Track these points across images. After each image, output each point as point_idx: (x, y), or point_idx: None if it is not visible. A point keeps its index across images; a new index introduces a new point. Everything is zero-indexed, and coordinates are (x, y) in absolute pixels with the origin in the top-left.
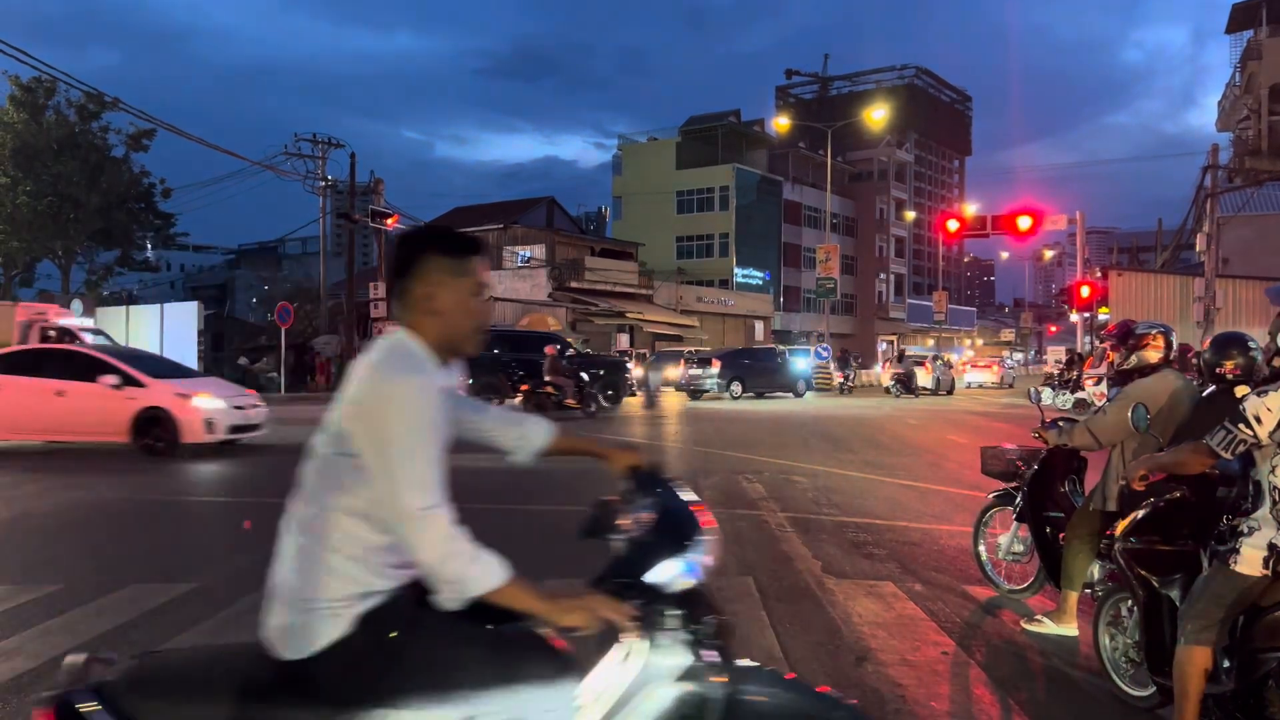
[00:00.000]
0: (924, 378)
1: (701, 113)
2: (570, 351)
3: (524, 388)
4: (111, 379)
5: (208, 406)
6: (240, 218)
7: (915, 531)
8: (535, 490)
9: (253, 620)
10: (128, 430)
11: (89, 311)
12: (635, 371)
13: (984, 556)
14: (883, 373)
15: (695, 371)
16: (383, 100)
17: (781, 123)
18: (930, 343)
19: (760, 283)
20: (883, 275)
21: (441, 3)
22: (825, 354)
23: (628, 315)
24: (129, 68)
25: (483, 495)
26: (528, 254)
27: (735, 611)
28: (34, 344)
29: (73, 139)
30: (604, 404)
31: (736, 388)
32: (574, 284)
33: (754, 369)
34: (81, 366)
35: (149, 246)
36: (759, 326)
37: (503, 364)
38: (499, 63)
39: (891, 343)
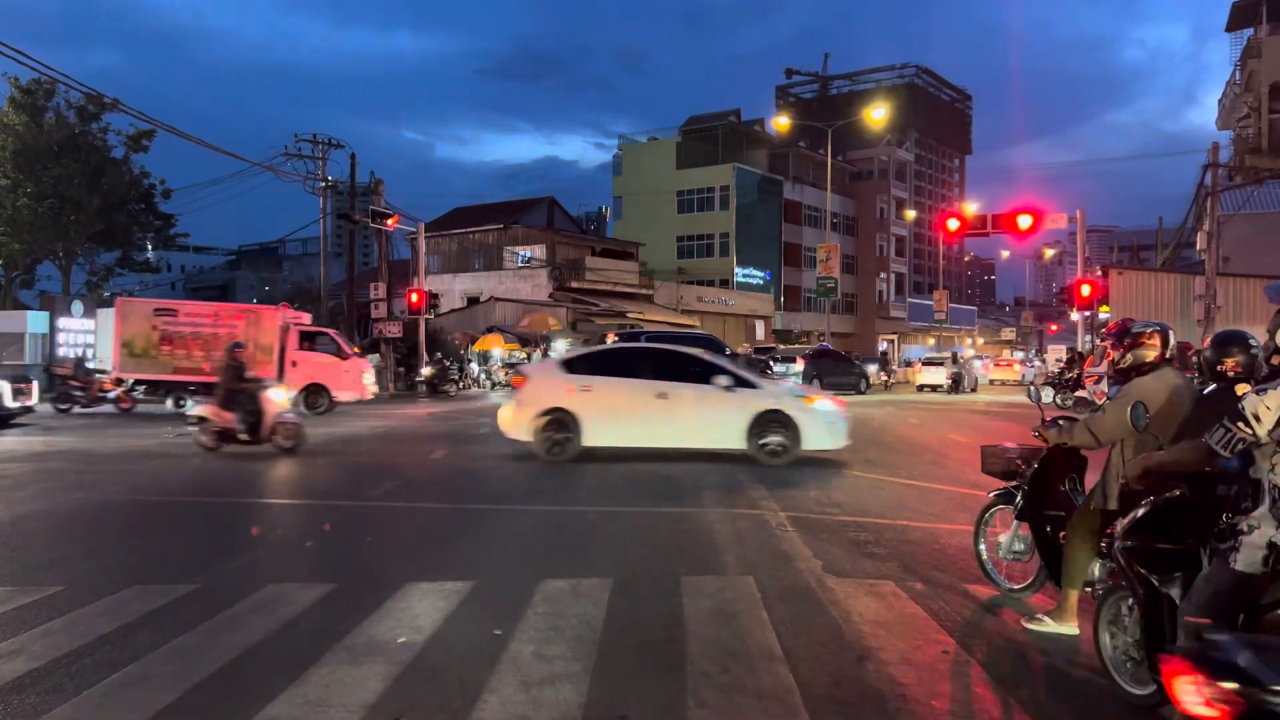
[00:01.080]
0: (939, 377)
1: (702, 112)
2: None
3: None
4: (724, 380)
5: (828, 409)
6: (240, 218)
7: (916, 530)
8: (536, 490)
9: (254, 620)
10: (744, 435)
11: (90, 313)
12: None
13: (985, 555)
14: (913, 372)
15: (780, 369)
16: (383, 101)
17: (782, 122)
18: (931, 342)
19: (761, 282)
20: (883, 274)
21: (442, 3)
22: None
23: (628, 315)
24: (129, 68)
25: (484, 495)
26: (528, 254)
27: (736, 611)
28: (293, 345)
29: (73, 140)
30: None
31: (816, 384)
32: (575, 284)
33: (828, 367)
34: (684, 367)
35: (149, 247)
36: (760, 326)
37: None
38: (499, 63)
39: (892, 342)
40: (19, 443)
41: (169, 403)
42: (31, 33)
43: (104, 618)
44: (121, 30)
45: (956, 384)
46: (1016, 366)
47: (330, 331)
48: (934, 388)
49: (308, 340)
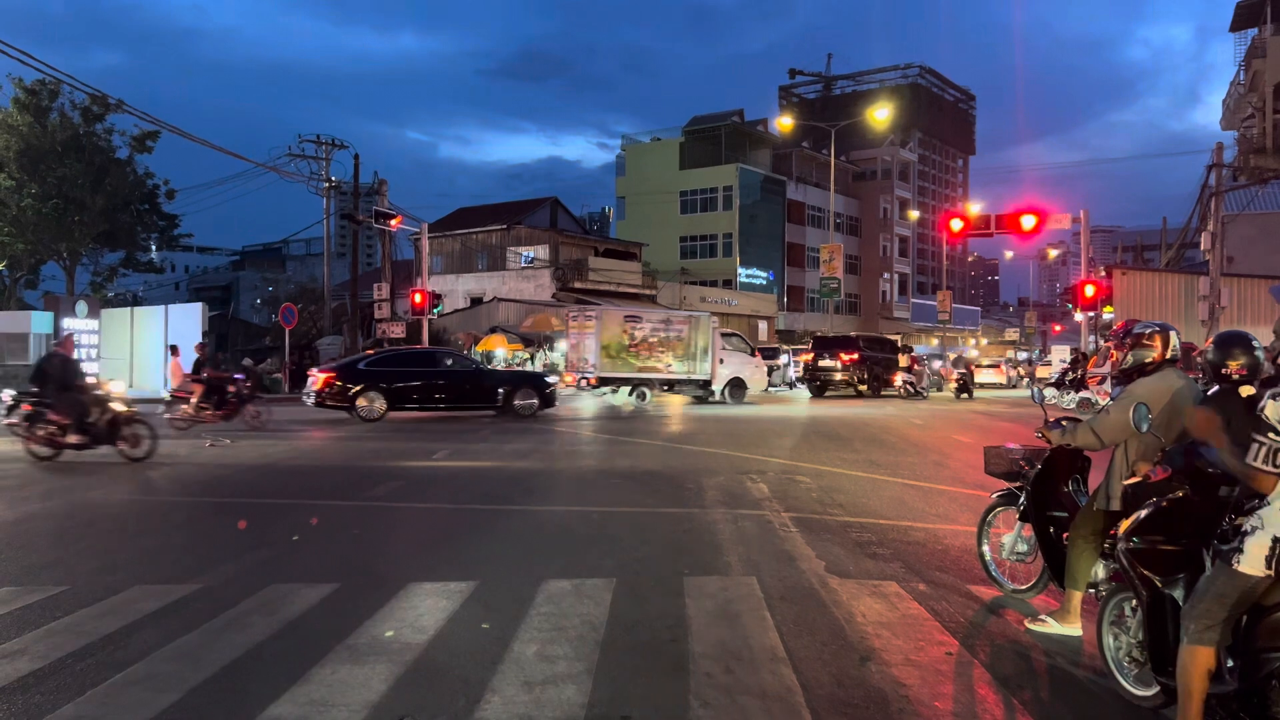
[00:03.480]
0: (997, 377)
1: (705, 112)
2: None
3: (894, 376)
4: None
5: None
6: (244, 219)
7: (919, 531)
8: (536, 490)
9: (256, 620)
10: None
11: (94, 313)
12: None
13: (988, 556)
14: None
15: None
16: (386, 101)
17: (785, 122)
18: (935, 342)
19: (764, 282)
20: (886, 275)
21: (445, 3)
22: None
23: None
24: (133, 69)
25: (483, 495)
26: (531, 254)
27: (739, 612)
28: (718, 345)
29: (77, 141)
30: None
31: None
32: (578, 284)
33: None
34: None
35: (153, 248)
36: (763, 326)
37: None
38: (502, 63)
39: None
40: None
41: (621, 394)
42: (36, 33)
43: (107, 618)
44: (125, 30)
45: (1033, 381)
46: (1056, 366)
47: (739, 333)
48: (982, 386)
49: (724, 341)
